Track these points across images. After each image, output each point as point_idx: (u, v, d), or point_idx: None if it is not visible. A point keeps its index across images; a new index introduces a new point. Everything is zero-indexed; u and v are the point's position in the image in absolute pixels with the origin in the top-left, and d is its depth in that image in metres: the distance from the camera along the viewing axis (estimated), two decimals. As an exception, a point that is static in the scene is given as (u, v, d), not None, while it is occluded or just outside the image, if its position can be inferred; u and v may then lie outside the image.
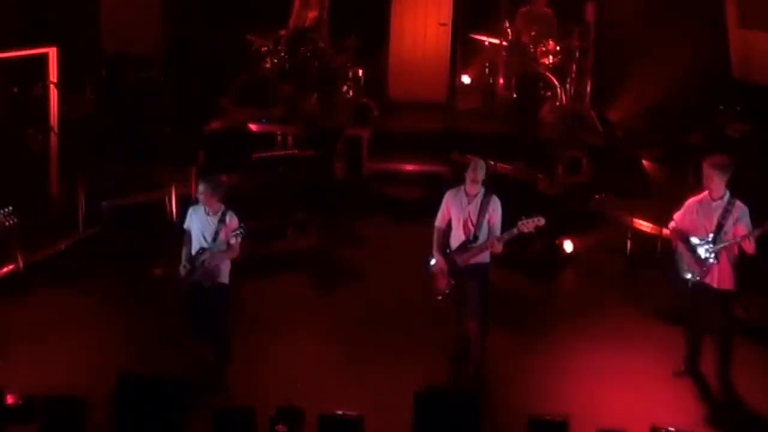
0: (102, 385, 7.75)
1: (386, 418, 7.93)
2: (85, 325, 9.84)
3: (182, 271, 8.72)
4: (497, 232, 8.75)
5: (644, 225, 11.63)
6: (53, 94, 11.66)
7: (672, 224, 8.89)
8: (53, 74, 11.59)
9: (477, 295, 8.90)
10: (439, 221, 9.03)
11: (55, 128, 11.75)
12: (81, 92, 13.09)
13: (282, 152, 13.20)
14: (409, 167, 13.67)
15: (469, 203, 8.84)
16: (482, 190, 8.84)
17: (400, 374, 8.98)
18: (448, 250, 8.96)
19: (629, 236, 11.68)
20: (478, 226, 8.78)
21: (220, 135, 13.36)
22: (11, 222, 8.61)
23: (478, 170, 8.80)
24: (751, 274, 8.99)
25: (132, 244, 11.44)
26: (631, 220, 11.74)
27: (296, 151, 13.20)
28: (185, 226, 8.81)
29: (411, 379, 8.62)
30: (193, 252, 8.69)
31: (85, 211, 11.49)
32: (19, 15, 12.71)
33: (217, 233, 8.57)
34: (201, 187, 8.62)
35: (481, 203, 8.79)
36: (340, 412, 7.23)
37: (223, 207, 8.64)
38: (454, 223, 8.93)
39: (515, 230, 8.63)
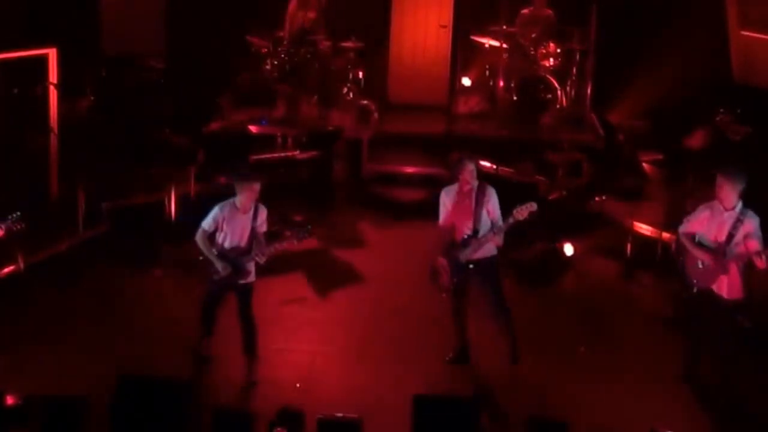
0: (102, 385, 7.73)
1: (385, 420, 7.92)
2: (85, 326, 9.83)
3: (224, 270, 8.68)
4: (499, 221, 8.78)
5: (644, 228, 11.63)
6: (53, 95, 11.64)
7: (682, 228, 8.73)
8: (53, 75, 11.57)
9: (492, 292, 9.05)
10: (441, 220, 9.04)
11: (55, 129, 11.73)
12: (81, 93, 13.08)
13: (282, 154, 13.20)
14: (409, 169, 13.67)
15: (465, 198, 8.85)
16: (476, 183, 8.87)
17: (399, 376, 8.98)
18: (452, 247, 8.98)
19: (629, 239, 11.67)
20: (477, 219, 8.81)
21: (219, 136, 13.36)
22: (19, 227, 8.61)
23: (468, 170, 8.84)
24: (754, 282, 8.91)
25: (132, 244, 11.43)
26: (632, 223, 11.74)
27: (296, 153, 13.19)
28: (208, 226, 8.70)
29: (410, 381, 8.64)
30: (227, 252, 8.68)
31: (85, 211, 11.46)
32: (19, 16, 12.69)
33: (253, 230, 8.64)
34: (249, 184, 8.55)
35: (477, 196, 8.81)
36: (339, 415, 7.23)
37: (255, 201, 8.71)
38: (455, 221, 8.95)
39: (511, 219, 8.67)
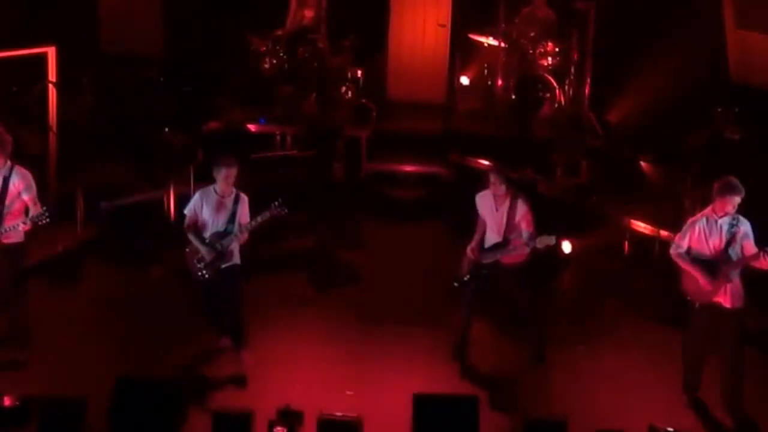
0: (100, 386, 7.73)
1: (385, 419, 7.94)
2: (83, 326, 9.84)
3: (208, 256, 8.83)
4: (529, 233, 8.91)
5: (642, 226, 11.65)
6: (52, 93, 11.64)
7: (675, 249, 8.57)
8: (52, 74, 11.57)
9: (520, 296, 9.24)
10: (480, 218, 9.23)
11: (54, 128, 11.73)
12: (80, 92, 13.08)
13: (281, 152, 13.20)
14: (408, 168, 13.67)
15: (499, 206, 9.01)
16: (510, 193, 8.99)
17: (399, 375, 9.00)
18: (480, 247, 9.16)
19: (627, 238, 11.70)
20: (508, 228, 8.96)
21: (218, 135, 13.36)
22: (44, 222, 8.72)
23: (491, 181, 9.03)
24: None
25: (131, 244, 11.44)
26: (629, 222, 11.76)
27: (295, 152, 13.20)
28: (189, 212, 8.94)
29: (410, 380, 8.65)
30: (207, 236, 8.86)
31: (83, 210, 11.48)
32: (17, 15, 12.69)
33: (233, 215, 8.82)
34: (224, 170, 8.80)
35: (509, 206, 8.95)
36: (339, 414, 7.25)
37: (233, 188, 8.89)
38: (488, 223, 9.12)
39: (533, 242, 8.87)
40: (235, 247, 8.94)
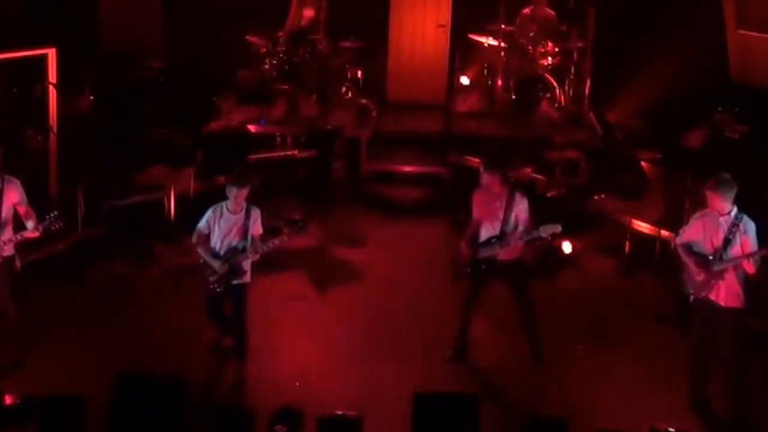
0: (101, 385, 7.74)
1: (385, 418, 7.94)
2: (83, 325, 9.85)
3: (221, 269, 8.77)
4: (526, 227, 8.92)
5: (642, 226, 11.64)
6: (52, 94, 11.65)
7: (678, 239, 8.61)
8: (52, 75, 11.58)
9: (516, 293, 9.27)
10: (473, 214, 9.23)
11: (55, 129, 11.74)
12: (80, 93, 13.09)
13: (281, 153, 13.21)
14: (408, 168, 13.68)
15: (495, 200, 9.02)
16: (507, 187, 9.02)
17: (398, 374, 9.01)
18: (477, 242, 9.16)
19: (628, 237, 11.69)
20: (505, 222, 8.97)
21: (218, 136, 13.38)
22: (57, 227, 8.69)
23: (484, 177, 9.04)
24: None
25: (131, 244, 11.45)
26: (630, 221, 11.76)
27: (295, 152, 13.21)
28: (203, 228, 8.84)
29: (410, 379, 8.66)
30: (222, 252, 8.78)
31: (84, 211, 11.47)
32: (18, 15, 12.70)
33: (246, 230, 8.74)
34: (235, 189, 8.68)
35: (507, 201, 8.96)
36: (338, 413, 7.25)
37: (245, 203, 8.80)
38: (483, 219, 9.13)
39: (534, 233, 8.87)
40: (247, 264, 8.84)
